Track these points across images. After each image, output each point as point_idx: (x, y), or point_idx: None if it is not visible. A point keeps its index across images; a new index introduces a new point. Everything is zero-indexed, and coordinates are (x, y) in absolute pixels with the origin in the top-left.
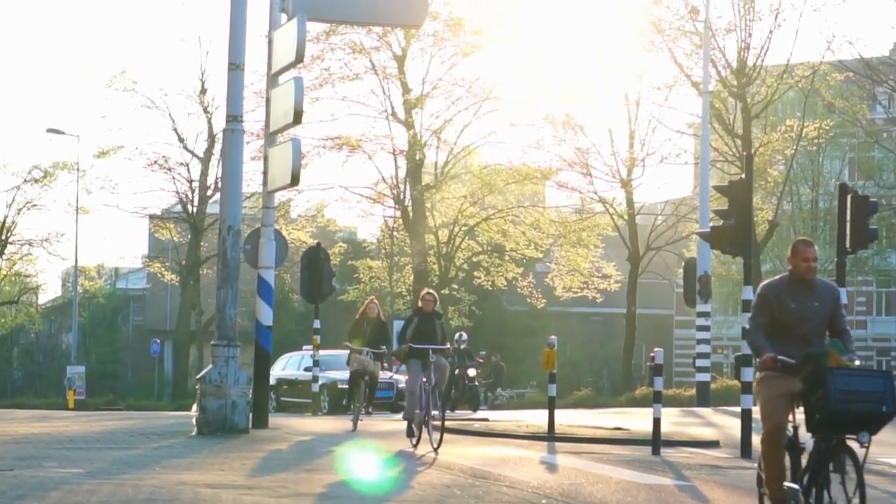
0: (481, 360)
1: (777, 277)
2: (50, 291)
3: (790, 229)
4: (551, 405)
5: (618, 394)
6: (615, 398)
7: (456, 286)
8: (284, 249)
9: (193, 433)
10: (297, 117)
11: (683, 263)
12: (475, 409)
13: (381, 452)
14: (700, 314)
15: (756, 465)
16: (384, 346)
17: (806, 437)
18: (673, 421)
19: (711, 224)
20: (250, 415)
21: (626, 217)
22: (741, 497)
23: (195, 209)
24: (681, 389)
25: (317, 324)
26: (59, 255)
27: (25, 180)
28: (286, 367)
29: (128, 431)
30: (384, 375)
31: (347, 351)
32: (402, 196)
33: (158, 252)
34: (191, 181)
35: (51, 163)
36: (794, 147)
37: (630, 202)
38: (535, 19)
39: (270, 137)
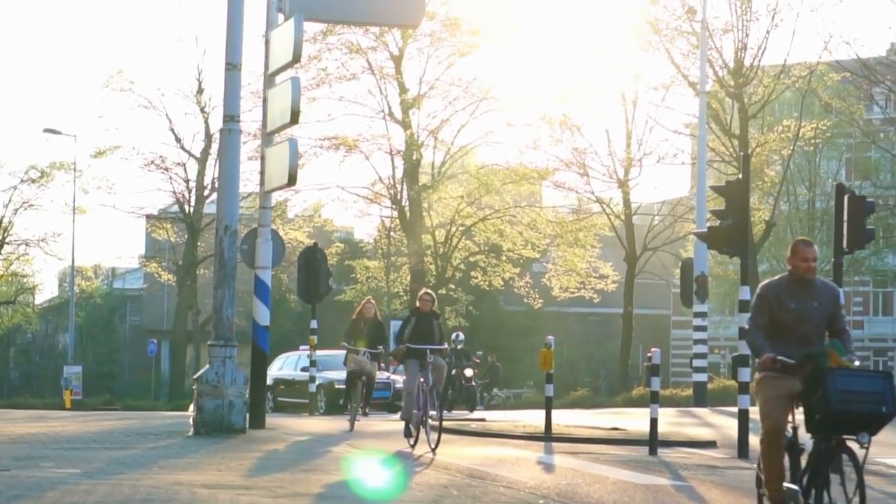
0: (478, 361)
1: (776, 277)
2: (47, 291)
3: (787, 229)
4: (548, 405)
5: (615, 394)
6: (612, 398)
7: (453, 286)
8: (281, 249)
9: (190, 433)
10: (294, 117)
11: (680, 264)
12: (472, 410)
13: (378, 453)
14: (697, 314)
15: (755, 465)
16: (381, 346)
17: (805, 438)
18: (670, 421)
19: (708, 224)
20: (247, 415)
21: (622, 217)
22: (738, 497)
23: (192, 209)
24: (678, 389)
25: (314, 324)
26: (56, 255)
27: (22, 180)
28: (283, 367)
29: (125, 431)
30: (381, 376)
31: (344, 351)
32: (398, 196)
33: (155, 252)
34: (188, 181)
35: (48, 163)
36: (791, 147)
37: (627, 202)
38: (532, 19)
39: (267, 137)
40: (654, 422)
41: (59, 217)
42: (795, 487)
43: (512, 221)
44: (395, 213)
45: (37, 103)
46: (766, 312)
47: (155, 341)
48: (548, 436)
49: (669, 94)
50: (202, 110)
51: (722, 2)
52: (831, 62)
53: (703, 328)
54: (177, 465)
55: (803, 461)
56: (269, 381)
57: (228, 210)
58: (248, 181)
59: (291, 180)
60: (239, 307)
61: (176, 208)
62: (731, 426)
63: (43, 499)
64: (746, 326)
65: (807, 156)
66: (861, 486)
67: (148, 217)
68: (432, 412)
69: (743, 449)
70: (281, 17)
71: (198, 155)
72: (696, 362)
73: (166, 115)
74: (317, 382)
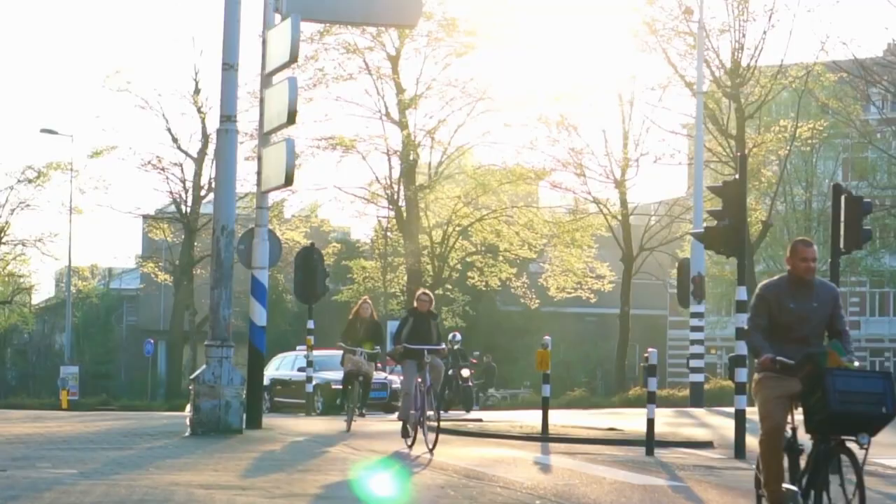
0: (475, 361)
1: (776, 278)
2: (43, 291)
3: (784, 230)
4: (545, 405)
5: (611, 394)
6: (609, 399)
7: (450, 286)
8: (278, 250)
9: (187, 433)
10: (291, 117)
11: (677, 264)
12: (469, 410)
13: (376, 453)
14: (693, 315)
15: (753, 466)
16: (378, 347)
17: (804, 439)
18: (666, 421)
19: (705, 224)
20: (244, 415)
21: (619, 217)
22: (735, 498)
23: (189, 209)
24: (674, 390)
25: (310, 324)
26: (53, 256)
27: (19, 180)
28: (280, 367)
29: (121, 432)
30: (378, 376)
31: (341, 351)
32: (395, 196)
33: (152, 252)
34: (184, 181)
35: (44, 163)
36: (788, 147)
37: (624, 202)
38: (529, 20)
39: (264, 138)
40: (650, 422)
41: (56, 217)
42: (795, 488)
43: (509, 222)
44: (392, 214)
45: (34, 103)
46: (766, 313)
47: (152, 341)
48: (545, 436)
49: (666, 95)
50: (199, 110)
51: (719, 2)
52: (828, 62)
53: (699, 328)
54: (173, 465)
55: (802, 462)
56: (265, 382)
57: (225, 210)
58: (244, 181)
59: (288, 180)
60: (236, 307)
61: (173, 208)
62: (727, 426)
63: (40, 499)
64: (745, 327)
65: (803, 156)
66: (861, 487)
67: (145, 217)
68: (430, 412)
69: (740, 449)
70: (278, 17)
71: (194, 155)
72: (693, 363)
73: (163, 115)
74: (314, 383)
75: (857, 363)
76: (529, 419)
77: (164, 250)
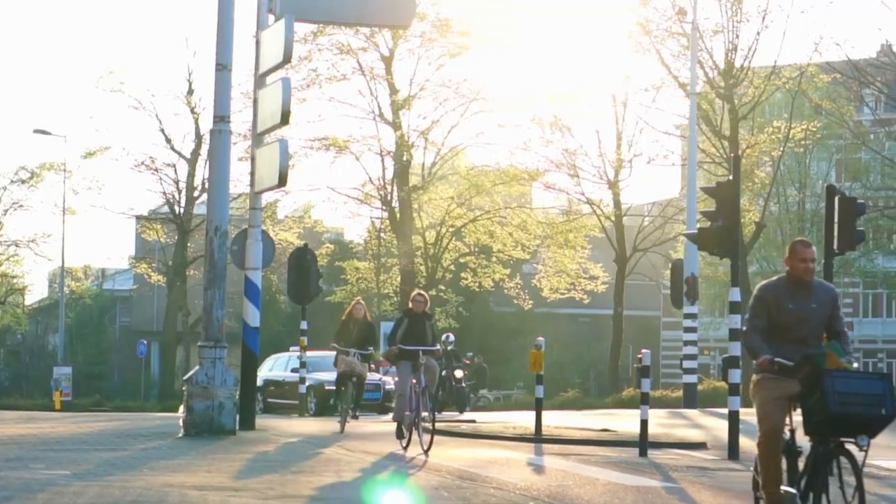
0: (468, 362)
1: (774, 278)
2: (36, 292)
3: (777, 231)
4: (538, 406)
5: (605, 395)
6: (602, 399)
7: (443, 287)
8: (271, 250)
9: (180, 434)
10: (285, 118)
11: (670, 265)
12: (462, 411)
13: (370, 454)
14: (687, 315)
15: (746, 467)
16: (371, 348)
17: (803, 441)
18: (660, 422)
19: (699, 225)
20: (237, 416)
21: (613, 218)
22: (729, 499)
23: (182, 210)
24: (667, 391)
25: (304, 325)
26: (46, 256)
27: (12, 181)
28: (273, 368)
29: (115, 433)
30: (372, 377)
31: (334, 352)
32: (389, 197)
33: (145, 253)
34: (178, 182)
35: (37, 163)
36: (782, 148)
37: (617, 203)
38: (523, 20)
39: (258, 138)
40: (644, 423)
41: (49, 218)
42: (793, 491)
43: (502, 222)
44: (386, 214)
45: (27, 104)
46: (764, 314)
47: (145, 342)
48: (538, 437)
49: (660, 96)
50: (192, 111)
51: (712, 3)
52: (821, 63)
53: (693, 329)
54: (167, 466)
55: (801, 464)
56: (259, 383)
57: (218, 211)
58: (238, 182)
59: (282, 181)
60: (229, 308)
61: (166, 209)
62: (721, 428)
63: (33, 500)
64: (743, 328)
65: (797, 157)
66: (860, 489)
67: (138, 218)
68: (424, 414)
69: (733, 450)
70: (271, 17)
71: (188, 156)
72: (686, 363)
73: (156, 115)
74: (307, 384)
75: (855, 364)
76: (523, 420)
77: (157, 251)
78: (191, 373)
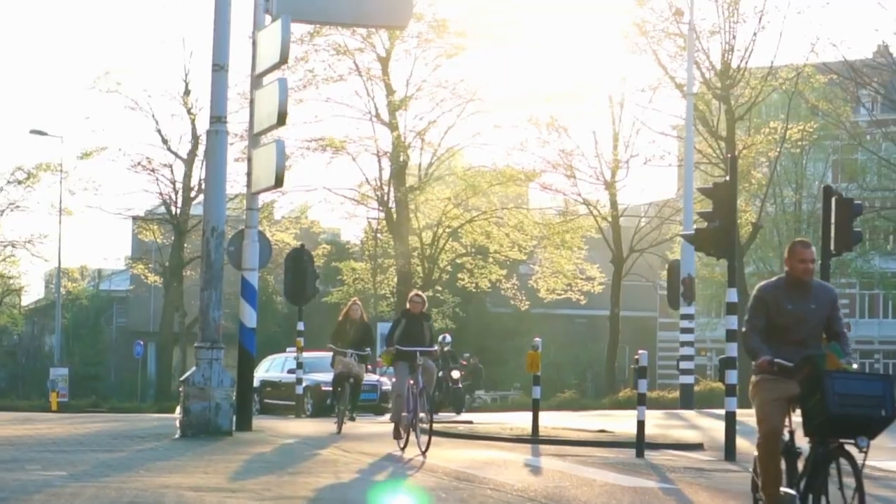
0: (465, 363)
1: (773, 279)
2: (33, 293)
3: (774, 231)
4: (535, 407)
5: (601, 396)
6: (599, 400)
7: (440, 288)
8: (268, 251)
9: (177, 436)
10: (282, 119)
11: (667, 265)
12: (459, 412)
13: (367, 455)
14: (684, 316)
15: (742, 467)
16: (368, 348)
17: (802, 442)
18: (657, 423)
19: (695, 226)
20: (234, 417)
21: (609, 219)
22: (726, 500)
23: (179, 211)
24: (664, 392)
25: (300, 326)
26: (43, 257)
27: (8, 182)
28: (270, 369)
29: (111, 434)
30: (369, 378)
31: (331, 353)
32: (385, 198)
33: (142, 254)
34: (174, 182)
35: (34, 164)
36: (778, 149)
37: (614, 204)
38: (519, 21)
39: (254, 139)
40: (641, 424)
41: (46, 218)
42: (793, 492)
43: (499, 223)
44: (382, 215)
45: (23, 104)
46: (763, 314)
47: (141, 343)
48: (535, 438)
49: (656, 96)
50: (189, 111)
51: (709, 3)
52: (818, 64)
53: (689, 330)
54: (163, 467)
55: (800, 465)
56: (255, 384)
57: (215, 211)
58: (234, 182)
59: (278, 182)
60: (226, 309)
61: (162, 210)
62: (717, 428)
63: (29, 501)
64: (743, 328)
65: (793, 158)
66: (860, 490)
67: (134, 218)
68: (422, 415)
69: (730, 451)
70: (268, 17)
71: (184, 156)
72: (683, 364)
73: (153, 116)
74: (304, 384)
75: (855, 365)
76: (519, 421)
77: (153, 252)
78: (187, 374)
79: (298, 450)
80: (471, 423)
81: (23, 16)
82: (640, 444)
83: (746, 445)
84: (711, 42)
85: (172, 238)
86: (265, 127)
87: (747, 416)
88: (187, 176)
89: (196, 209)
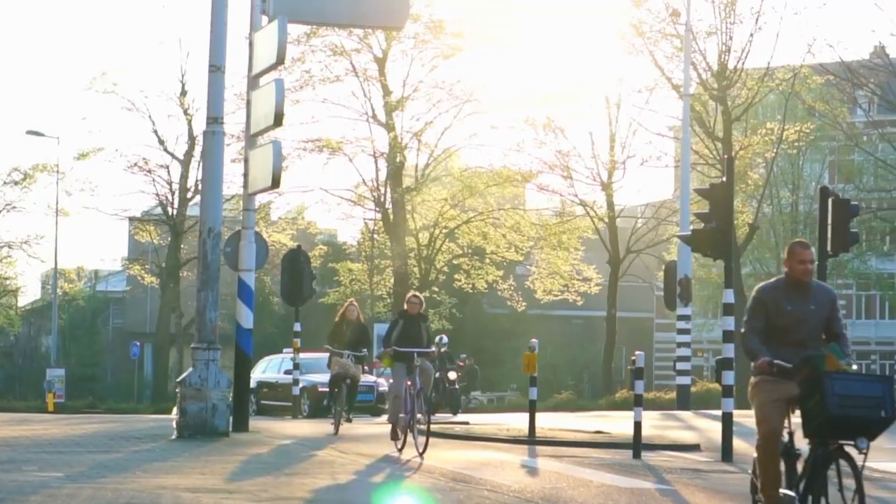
0: (461, 364)
1: (773, 280)
2: (29, 294)
3: (770, 232)
4: (532, 408)
5: (598, 397)
6: (595, 401)
7: (436, 289)
8: (265, 252)
9: (173, 436)
10: (278, 119)
11: (664, 266)
12: (455, 413)
13: (365, 457)
14: (680, 317)
15: (738, 468)
16: (364, 349)
17: (801, 443)
18: (653, 424)
19: (692, 227)
20: (231, 418)
21: (606, 220)
22: (723, 501)
23: (175, 211)
24: (661, 393)
25: (297, 326)
26: (39, 258)
27: (5, 182)
28: (266, 369)
29: (108, 435)
30: (366, 379)
31: (328, 354)
32: (382, 198)
33: (138, 254)
34: (171, 183)
35: (30, 165)
36: (775, 150)
37: (610, 205)
38: (516, 22)
39: (251, 140)
40: (637, 425)
41: (42, 219)
42: (792, 493)
43: (495, 224)
44: (379, 216)
45: (19, 105)
46: (762, 316)
47: (138, 344)
48: (532, 439)
49: (653, 97)
50: (185, 112)
51: (706, 4)
52: (815, 65)
53: (686, 331)
54: (160, 468)
55: (799, 466)
56: (252, 384)
57: (212, 212)
58: (231, 183)
59: (275, 182)
60: (222, 310)
61: (159, 210)
62: (714, 429)
63: (25, 502)
64: (742, 329)
65: (790, 159)
66: (860, 491)
67: (131, 219)
68: (420, 416)
69: (727, 452)
70: (265, 18)
71: (181, 157)
72: (680, 365)
73: (149, 117)
74: (300, 385)
75: (854, 367)
76: (516, 422)
77: (150, 252)
78: (184, 375)
79: (295, 451)
80: (467, 423)
81: (19, 16)
82: (637, 445)
83: (743, 446)
84: (708, 43)
85: (169, 239)
86: (262, 128)
87: (744, 417)
88: (184, 177)
89: (193, 210)
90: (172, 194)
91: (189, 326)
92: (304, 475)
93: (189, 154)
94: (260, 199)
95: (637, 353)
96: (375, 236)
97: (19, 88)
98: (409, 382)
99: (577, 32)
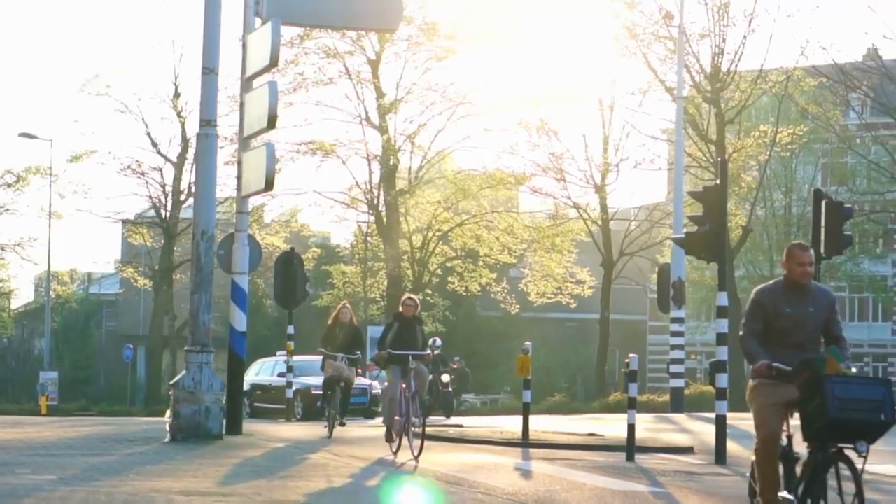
0: (454, 366)
1: (771, 282)
2: (23, 296)
3: (763, 235)
4: (526, 411)
5: (591, 399)
6: (589, 404)
7: (430, 291)
8: (258, 254)
9: (167, 439)
10: (271, 122)
11: (657, 269)
12: (449, 415)
13: (359, 460)
14: (674, 320)
15: (748, 474)
16: (358, 352)
17: (800, 447)
18: (647, 427)
19: (686, 230)
20: (224, 421)
21: (599, 222)
22: (717, 503)
23: (168, 214)
24: (654, 395)
25: (290, 329)
26: (32, 260)
27: None
28: (260, 372)
29: (101, 437)
30: (359, 381)
31: (321, 356)
32: (375, 201)
33: (131, 257)
34: (164, 186)
35: (23, 167)
36: (768, 152)
37: (604, 207)
38: (509, 24)
39: (244, 142)
40: (631, 428)
41: (35, 222)
42: (791, 497)
43: (489, 226)
44: (372, 218)
45: (12, 107)
46: (761, 318)
47: (131, 346)
48: (525, 442)
49: (646, 100)
50: (179, 115)
51: (699, 7)
52: (808, 67)
53: (679, 334)
54: (153, 471)
55: (798, 470)
56: (245, 387)
57: (205, 215)
58: (224, 186)
59: (268, 185)
60: (216, 312)
61: (152, 213)
62: (708, 432)
63: None
64: (741, 332)
65: (783, 161)
66: (860, 495)
67: (124, 222)
68: (415, 419)
69: (720, 455)
70: (258, 20)
71: (174, 159)
72: (673, 368)
73: (143, 119)
74: (294, 388)
75: (854, 370)
76: (509, 425)
77: (143, 255)
78: (177, 377)
79: (289, 454)
80: (461, 426)
81: (12, 18)
82: (631, 447)
83: (737, 449)
84: (701, 45)
85: (162, 241)
86: (255, 130)
87: (738, 420)
88: (177, 179)
89: (186, 212)
90: (166, 197)
91: (182, 329)
92: (298, 478)
93: (182, 156)
94: (253, 202)
95: (631, 355)
96: (369, 239)
97: (12, 91)
98: (403, 385)
99: (571, 35)
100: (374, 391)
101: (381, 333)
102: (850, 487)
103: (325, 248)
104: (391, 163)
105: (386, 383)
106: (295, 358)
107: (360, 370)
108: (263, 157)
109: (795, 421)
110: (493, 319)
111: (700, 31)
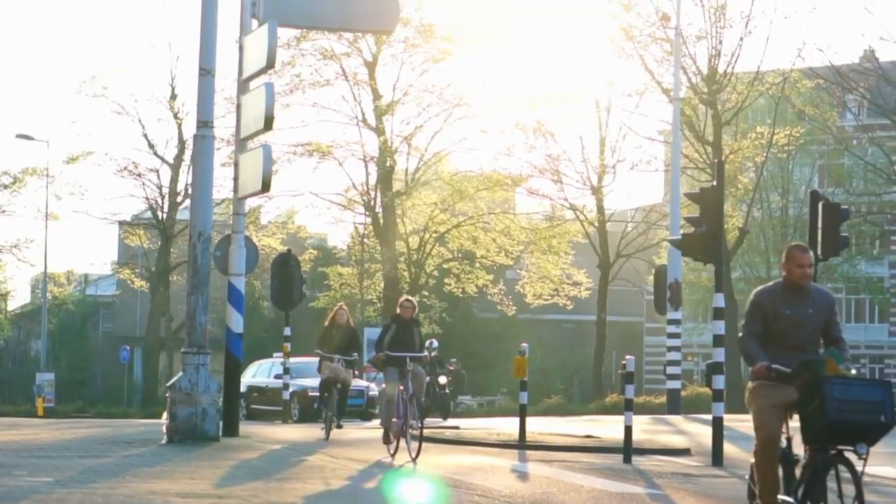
0: (451, 368)
1: (770, 284)
2: (19, 298)
3: (760, 236)
4: (522, 413)
5: (588, 401)
6: (585, 406)
7: (426, 293)
8: (255, 256)
9: (163, 441)
10: (268, 123)
11: (654, 270)
12: (446, 417)
13: (356, 462)
14: (670, 321)
15: (747, 477)
16: (355, 353)
17: (800, 449)
18: (643, 429)
19: (682, 231)
20: (221, 423)
21: (596, 224)
22: None
23: (165, 215)
24: (651, 397)
25: (287, 331)
26: (29, 262)
27: None
28: (256, 374)
29: (97, 439)
30: (356, 383)
31: (318, 358)
32: (372, 203)
33: (128, 258)
34: (161, 187)
35: (20, 168)
36: (765, 154)
37: (600, 209)
38: (506, 26)
39: (241, 143)
40: (628, 429)
41: (32, 223)
42: (791, 500)
43: (485, 228)
44: (369, 220)
45: (9, 108)
46: (760, 319)
47: (128, 348)
48: (522, 443)
49: (643, 101)
50: (175, 116)
51: (696, 8)
52: (804, 69)
53: (676, 335)
54: (150, 473)
55: (798, 472)
56: (242, 389)
57: (202, 216)
58: (221, 187)
59: (265, 186)
60: (212, 314)
61: (149, 214)
62: (704, 434)
63: None
64: (740, 334)
65: (780, 163)
66: (860, 497)
67: (121, 223)
68: (412, 421)
69: (717, 457)
70: (255, 22)
71: (171, 161)
72: (670, 369)
73: (139, 120)
74: (290, 390)
75: (853, 371)
76: (506, 426)
77: (140, 256)
78: (174, 379)
79: (286, 456)
80: (458, 428)
81: (8, 20)
82: (628, 449)
83: (734, 451)
84: (698, 47)
85: (159, 243)
86: (252, 132)
87: (734, 421)
88: (174, 181)
89: (182, 214)
90: (162, 198)
91: (179, 330)
92: (294, 480)
93: (179, 158)
94: (250, 203)
95: (627, 357)
96: (365, 240)
97: (9, 92)
98: (401, 387)
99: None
100: (371, 393)
101: (378, 335)
102: (850, 490)
103: (322, 249)
104: (388, 164)
105: (383, 385)
106: (291, 360)
107: (356, 372)
108: (260, 158)
109: (795, 423)
110: (489, 321)
111: (697, 32)
